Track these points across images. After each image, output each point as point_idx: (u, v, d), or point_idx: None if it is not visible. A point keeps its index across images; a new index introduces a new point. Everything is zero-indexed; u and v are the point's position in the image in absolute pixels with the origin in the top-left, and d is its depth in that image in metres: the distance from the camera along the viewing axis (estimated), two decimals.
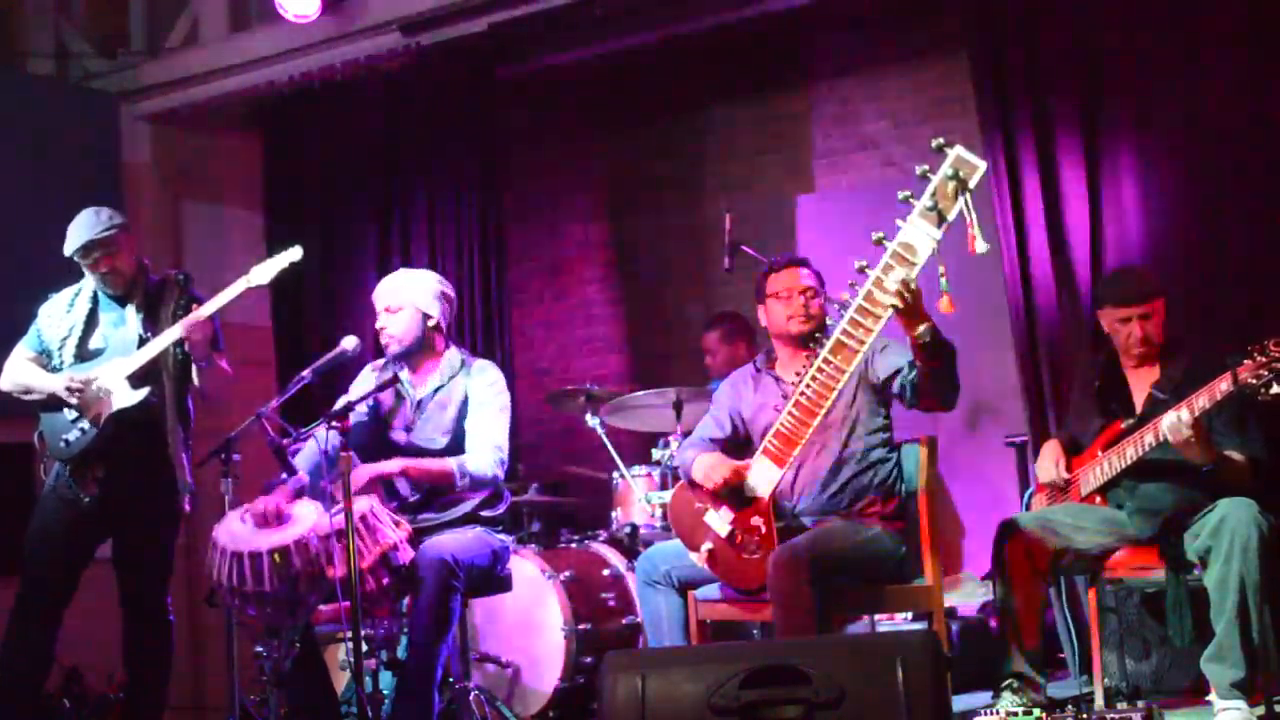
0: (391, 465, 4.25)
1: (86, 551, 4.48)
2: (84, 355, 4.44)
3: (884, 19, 6.31)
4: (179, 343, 4.34)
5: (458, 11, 5.99)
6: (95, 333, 4.47)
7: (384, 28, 6.15)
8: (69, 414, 4.37)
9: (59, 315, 4.51)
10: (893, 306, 3.62)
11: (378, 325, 4.46)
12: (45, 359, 4.48)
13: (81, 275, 4.54)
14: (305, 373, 4.19)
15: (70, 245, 4.42)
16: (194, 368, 4.38)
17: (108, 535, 4.49)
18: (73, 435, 4.36)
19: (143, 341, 4.40)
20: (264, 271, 4.43)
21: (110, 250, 4.43)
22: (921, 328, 3.66)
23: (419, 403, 4.43)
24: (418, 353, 4.44)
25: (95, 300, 4.51)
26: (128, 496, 4.41)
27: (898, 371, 3.95)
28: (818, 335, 3.90)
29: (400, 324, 4.41)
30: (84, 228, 4.42)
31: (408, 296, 4.42)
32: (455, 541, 4.20)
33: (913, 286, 3.59)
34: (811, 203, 6.67)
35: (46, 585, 4.40)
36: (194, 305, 4.40)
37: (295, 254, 4.43)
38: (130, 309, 4.48)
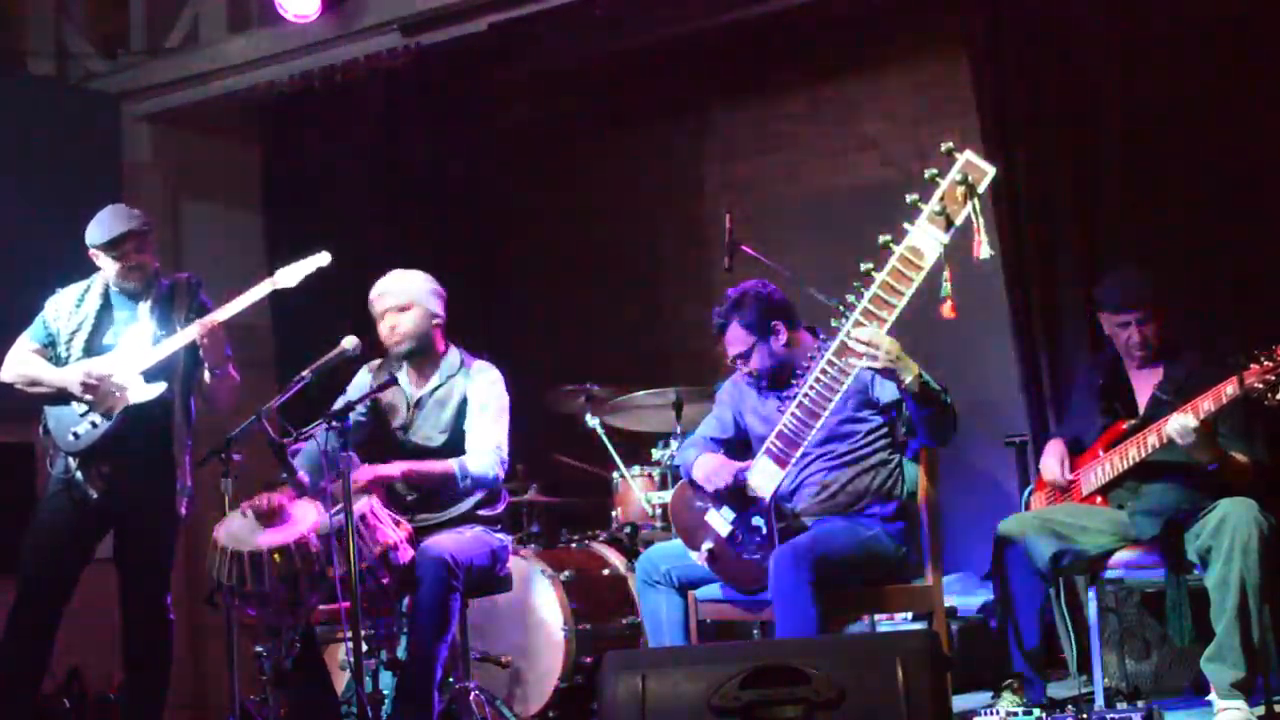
0: (393, 469, 4.25)
1: (88, 550, 4.47)
2: (93, 350, 4.42)
3: (884, 19, 6.30)
4: (192, 345, 4.35)
5: (458, 11, 5.99)
6: (107, 329, 4.47)
7: (384, 28, 6.14)
8: (78, 408, 4.36)
9: (68, 309, 4.49)
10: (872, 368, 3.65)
11: (386, 324, 4.44)
12: (50, 351, 4.46)
13: (88, 273, 4.52)
14: (305, 373, 4.18)
15: (104, 234, 4.40)
16: (205, 373, 4.38)
17: (107, 532, 4.48)
18: (82, 429, 4.34)
19: (157, 340, 4.40)
20: (290, 275, 4.45)
21: (141, 245, 4.44)
22: (909, 378, 3.69)
23: (418, 401, 4.44)
24: (423, 351, 4.44)
25: (106, 297, 4.50)
26: (132, 494, 4.40)
27: (898, 402, 3.94)
28: (797, 371, 3.83)
29: (411, 321, 4.41)
30: (121, 219, 4.42)
31: (415, 295, 4.43)
32: (455, 541, 4.20)
33: (886, 345, 3.60)
34: (811, 203, 6.67)
35: (49, 584, 4.38)
36: (203, 309, 4.42)
37: (323, 259, 4.44)
38: (143, 307, 4.47)
